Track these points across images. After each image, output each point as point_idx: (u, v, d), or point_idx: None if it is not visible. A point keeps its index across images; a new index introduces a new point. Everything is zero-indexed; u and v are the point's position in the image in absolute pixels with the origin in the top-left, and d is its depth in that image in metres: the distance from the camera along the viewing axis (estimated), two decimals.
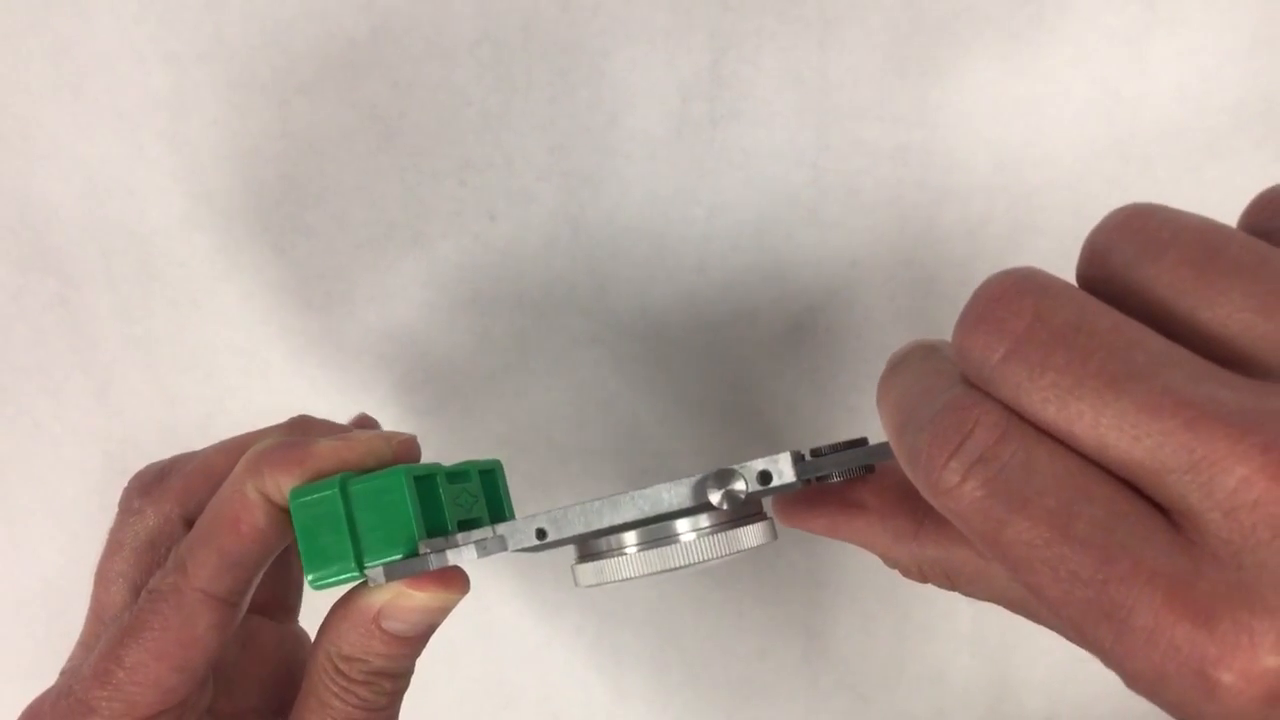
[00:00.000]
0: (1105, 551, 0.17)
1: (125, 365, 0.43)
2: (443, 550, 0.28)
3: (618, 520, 0.27)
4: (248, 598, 0.30)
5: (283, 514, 0.29)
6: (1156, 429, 0.17)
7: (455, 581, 0.29)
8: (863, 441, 0.27)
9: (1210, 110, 0.39)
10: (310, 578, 0.28)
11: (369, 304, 0.41)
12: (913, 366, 0.22)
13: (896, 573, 0.53)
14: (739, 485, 0.26)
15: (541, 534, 0.28)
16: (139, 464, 0.45)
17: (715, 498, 0.26)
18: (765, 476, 0.26)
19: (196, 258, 0.40)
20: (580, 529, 0.28)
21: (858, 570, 0.51)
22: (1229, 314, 0.18)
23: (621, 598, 0.51)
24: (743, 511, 0.28)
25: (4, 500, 0.46)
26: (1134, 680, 0.18)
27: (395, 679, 0.30)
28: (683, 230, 0.40)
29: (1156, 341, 0.18)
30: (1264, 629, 0.16)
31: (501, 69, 0.37)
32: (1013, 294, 0.19)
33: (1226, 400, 0.17)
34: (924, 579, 0.28)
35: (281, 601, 0.36)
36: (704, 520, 0.27)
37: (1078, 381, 0.18)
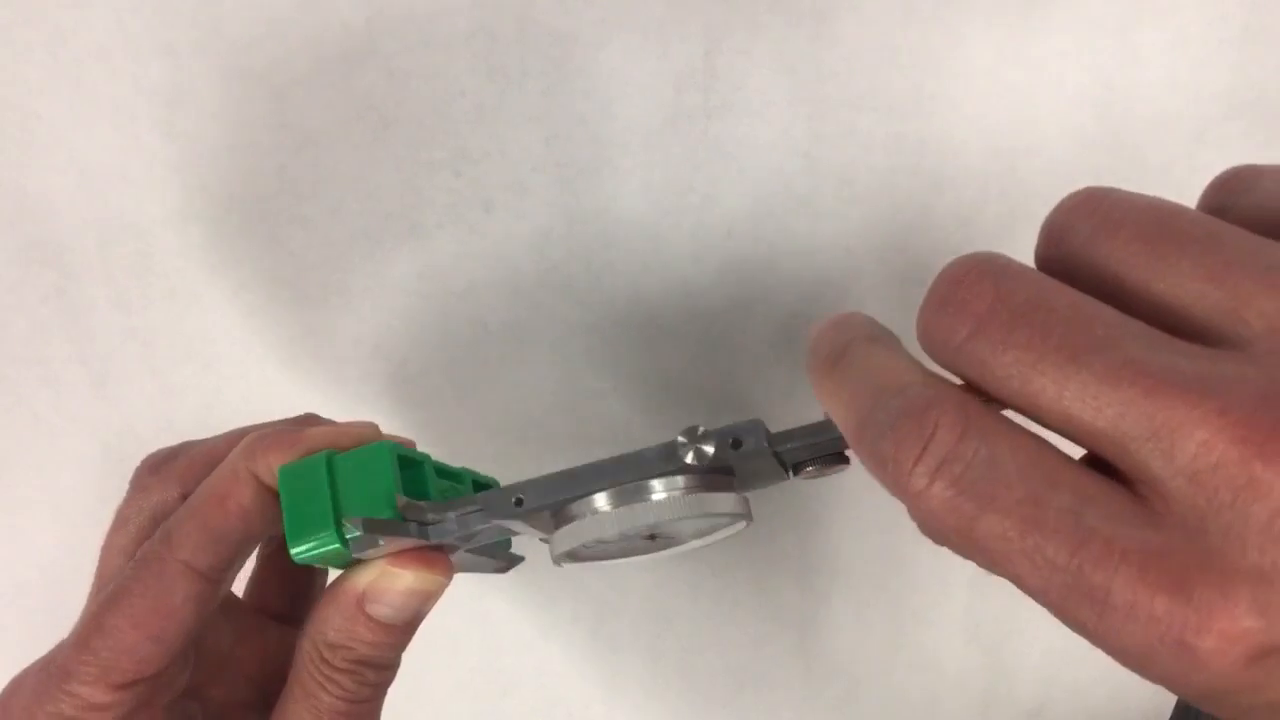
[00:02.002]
0: (1077, 536, 0.18)
1: (123, 356, 0.43)
2: (424, 514, 0.29)
3: (593, 485, 0.28)
4: (229, 576, 0.30)
5: (271, 496, 0.30)
6: (1118, 398, 0.18)
7: (438, 563, 0.30)
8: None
9: (1201, 99, 0.39)
10: (293, 550, 0.29)
11: (365, 294, 0.42)
12: (856, 364, 0.22)
13: (890, 560, 0.53)
14: (708, 447, 0.27)
15: (519, 501, 0.29)
16: (137, 454, 0.45)
17: (687, 455, 0.27)
18: (737, 442, 0.27)
19: (193, 249, 0.40)
20: (558, 494, 0.28)
21: (852, 558, 0.51)
22: (1180, 284, 0.19)
23: (618, 586, 0.51)
24: (719, 485, 0.28)
25: (2, 491, 0.46)
26: (1123, 657, 0.18)
27: (379, 670, 0.30)
28: (677, 220, 0.41)
29: (1114, 315, 0.19)
30: (1236, 591, 0.17)
31: (496, 59, 0.37)
32: (974, 276, 0.19)
33: (1184, 368, 0.17)
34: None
35: (293, 609, 0.36)
36: (679, 482, 0.28)
37: (1040, 357, 0.18)
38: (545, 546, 0.30)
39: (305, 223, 0.40)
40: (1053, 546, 0.18)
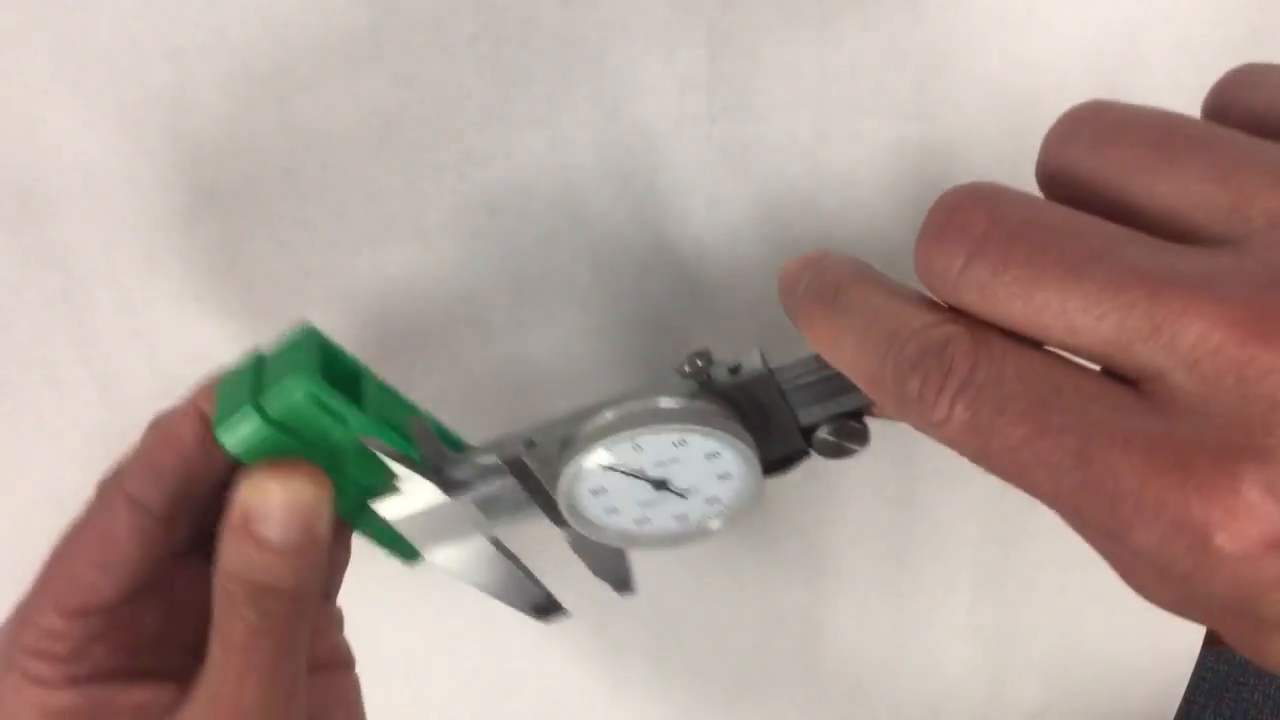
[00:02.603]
0: (1081, 431, 0.18)
1: (127, 359, 0.43)
2: (437, 445, 0.30)
3: (597, 409, 0.28)
4: (175, 514, 0.30)
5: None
6: (1120, 303, 0.18)
7: (306, 469, 0.30)
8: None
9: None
10: (219, 438, 0.29)
11: (369, 297, 0.42)
12: (854, 307, 0.22)
13: (893, 563, 0.53)
14: (701, 361, 0.28)
15: (531, 443, 0.29)
16: None
17: (687, 368, 0.28)
18: (735, 367, 0.28)
19: (198, 251, 0.40)
20: (566, 427, 0.29)
21: (856, 560, 0.51)
22: (1186, 185, 0.19)
23: None
24: (728, 414, 0.29)
25: (6, 493, 0.46)
26: (1141, 567, 0.19)
27: (281, 599, 0.29)
28: (682, 223, 0.41)
29: (1110, 226, 0.19)
30: (1242, 470, 0.17)
31: (501, 62, 0.37)
32: (967, 203, 0.20)
33: (1182, 267, 0.18)
34: None
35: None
36: (685, 399, 0.28)
37: (1040, 272, 0.19)
38: (555, 561, 0.30)
39: (309, 225, 0.40)
40: (1061, 446, 0.18)
